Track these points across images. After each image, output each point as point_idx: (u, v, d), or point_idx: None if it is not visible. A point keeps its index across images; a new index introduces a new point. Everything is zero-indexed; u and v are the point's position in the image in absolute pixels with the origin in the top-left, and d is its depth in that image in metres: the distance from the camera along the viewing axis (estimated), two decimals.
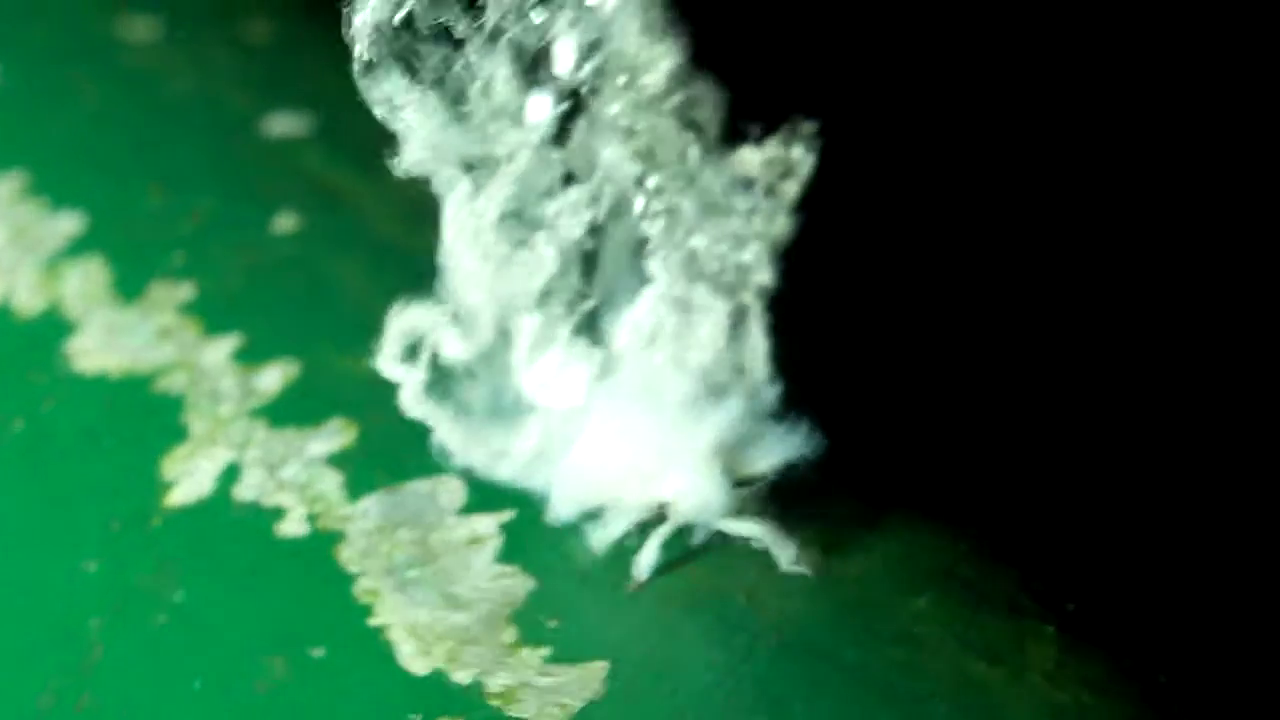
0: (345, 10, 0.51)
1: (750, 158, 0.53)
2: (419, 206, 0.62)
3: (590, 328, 0.54)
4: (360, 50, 0.51)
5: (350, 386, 0.60)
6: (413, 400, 0.55)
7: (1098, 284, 0.70)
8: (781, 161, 0.53)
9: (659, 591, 0.53)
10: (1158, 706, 0.51)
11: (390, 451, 0.58)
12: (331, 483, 0.57)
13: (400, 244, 0.67)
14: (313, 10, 0.81)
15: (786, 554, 0.53)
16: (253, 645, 0.52)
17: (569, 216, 0.53)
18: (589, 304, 0.54)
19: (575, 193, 0.53)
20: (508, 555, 0.54)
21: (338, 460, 0.58)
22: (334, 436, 0.59)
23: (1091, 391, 0.64)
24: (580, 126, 0.53)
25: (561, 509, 0.54)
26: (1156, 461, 0.62)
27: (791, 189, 0.53)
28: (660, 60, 0.51)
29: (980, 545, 0.55)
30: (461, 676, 0.51)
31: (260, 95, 0.76)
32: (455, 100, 0.52)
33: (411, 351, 0.55)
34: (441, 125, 0.52)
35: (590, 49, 0.52)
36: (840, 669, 0.50)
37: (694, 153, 0.53)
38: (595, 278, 0.54)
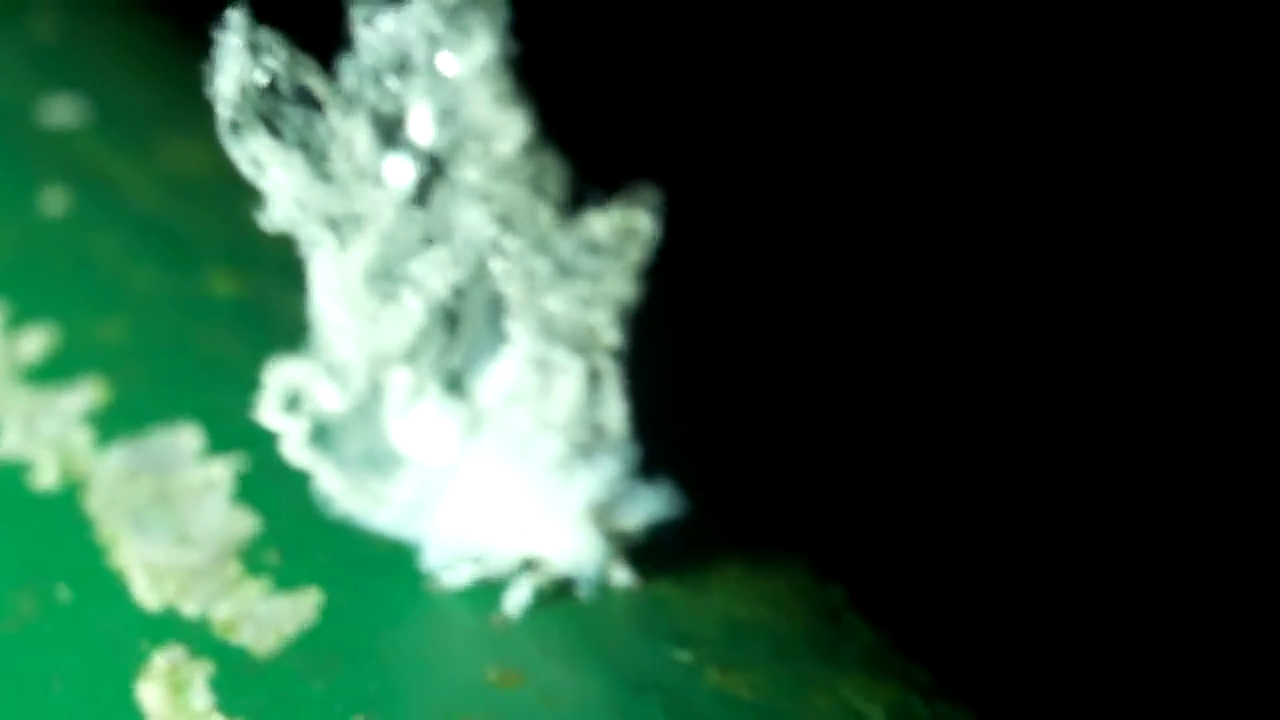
0: (210, 71, 0.52)
1: (596, 222, 0.54)
2: (180, 188, 0.71)
3: (457, 385, 0.56)
4: (224, 110, 0.53)
5: (104, 348, 0.67)
6: (295, 449, 0.57)
7: (938, 350, 0.74)
8: (624, 225, 0.54)
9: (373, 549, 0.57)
10: (832, 619, 0.58)
11: (137, 406, 0.64)
12: (82, 436, 0.63)
13: (161, 221, 0.73)
14: (100, 4, 0.87)
15: (627, 580, 0.56)
16: (3, 587, 0.58)
17: (434, 274, 0.54)
18: (454, 362, 0.56)
19: (440, 252, 0.54)
20: (239, 497, 0.60)
21: (89, 416, 0.64)
22: (86, 394, 0.65)
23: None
24: (439, 189, 0.54)
25: (435, 557, 0.57)
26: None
27: (635, 252, 0.54)
28: (511, 128, 0.52)
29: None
30: (190, 608, 0.56)
31: (38, 84, 0.81)
32: (318, 160, 0.53)
33: (292, 402, 0.57)
34: (306, 183, 0.53)
35: (445, 116, 0.53)
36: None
37: (545, 217, 0.54)
38: (458, 336, 0.56)
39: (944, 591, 0.63)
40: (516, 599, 0.56)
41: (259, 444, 0.60)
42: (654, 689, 0.53)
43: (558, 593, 0.56)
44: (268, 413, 0.56)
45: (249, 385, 0.57)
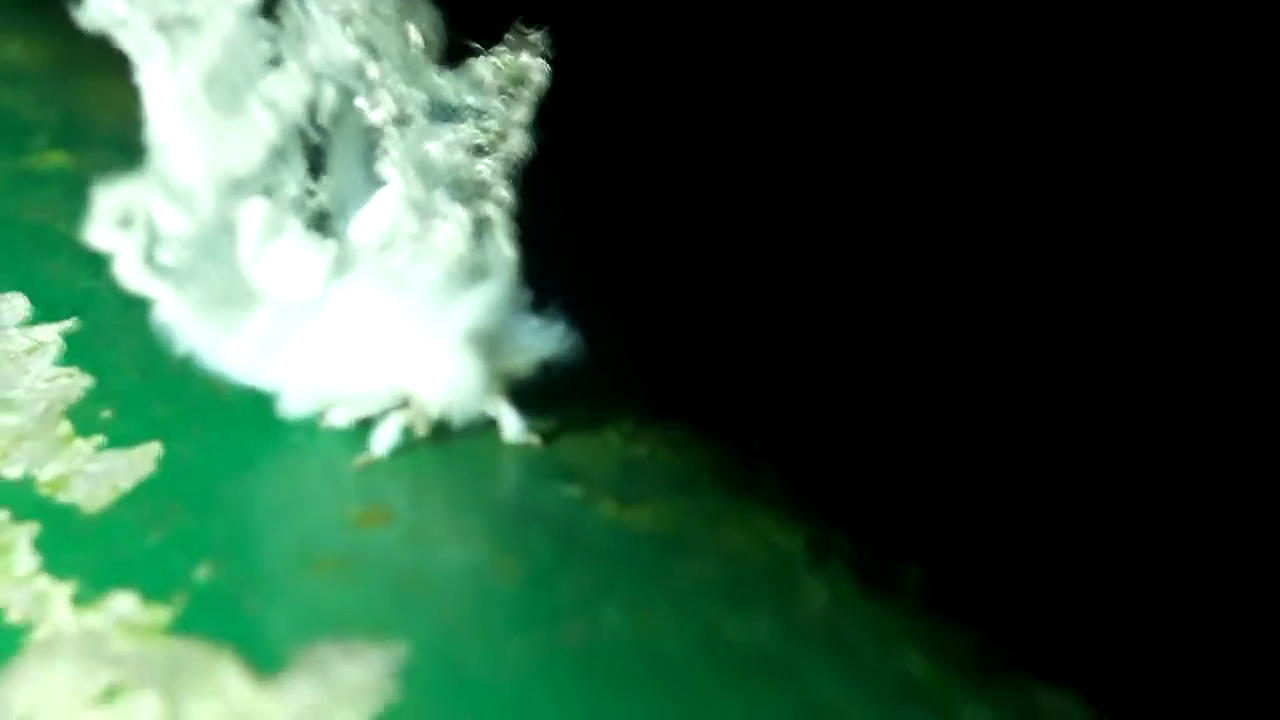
0: None
1: (481, 66, 0.50)
2: (9, 77, 0.69)
3: (322, 222, 0.51)
4: None
5: None
6: (130, 271, 0.50)
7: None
8: (512, 68, 0.50)
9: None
10: (743, 459, 0.53)
11: None
12: None
13: None
14: None
15: (514, 426, 0.51)
16: None
17: (286, 90, 0.49)
18: (320, 198, 0.51)
19: (293, 67, 0.49)
20: (68, 359, 0.55)
21: None
22: None
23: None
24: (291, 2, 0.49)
25: (296, 400, 0.51)
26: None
27: (526, 98, 0.50)
28: None
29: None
30: (13, 471, 0.52)
31: None
32: None
33: (126, 223, 0.50)
34: None
35: None
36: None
37: (417, 48, 0.49)
38: (325, 173, 0.51)
39: (868, 444, 0.58)
40: (384, 437, 0.50)
41: (91, 309, 0.56)
42: (539, 521, 0.48)
43: (432, 432, 0.51)
44: (98, 231, 0.50)
45: (79, 255, 0.52)
